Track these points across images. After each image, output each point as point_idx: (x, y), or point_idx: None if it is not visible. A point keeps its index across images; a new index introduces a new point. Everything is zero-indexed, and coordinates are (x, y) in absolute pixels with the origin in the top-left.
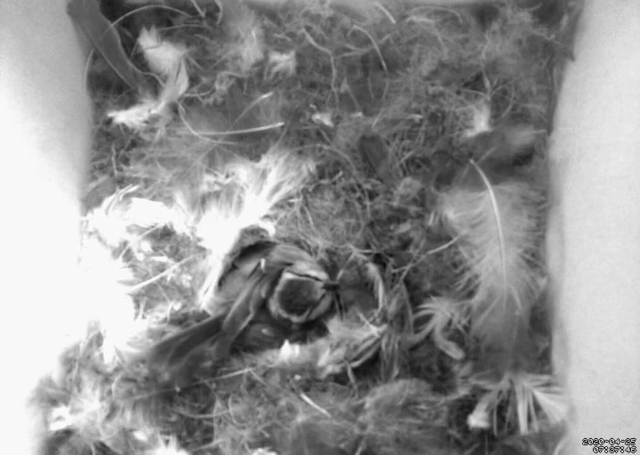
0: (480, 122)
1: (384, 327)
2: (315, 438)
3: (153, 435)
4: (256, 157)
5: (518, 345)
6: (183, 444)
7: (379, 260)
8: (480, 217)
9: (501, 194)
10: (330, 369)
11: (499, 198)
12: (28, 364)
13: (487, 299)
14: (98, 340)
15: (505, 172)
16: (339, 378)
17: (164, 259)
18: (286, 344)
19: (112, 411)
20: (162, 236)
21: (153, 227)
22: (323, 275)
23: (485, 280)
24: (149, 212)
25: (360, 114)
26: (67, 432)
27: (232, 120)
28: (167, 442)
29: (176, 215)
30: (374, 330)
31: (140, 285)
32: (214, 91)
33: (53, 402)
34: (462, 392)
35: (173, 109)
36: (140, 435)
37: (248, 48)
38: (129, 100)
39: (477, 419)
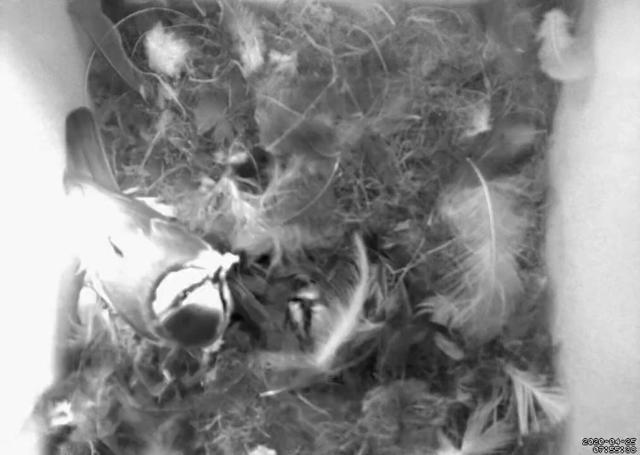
0: (480, 122)
1: (382, 324)
2: None
3: (153, 434)
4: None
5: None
6: (182, 443)
7: (378, 259)
8: (477, 214)
9: (497, 192)
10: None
11: (495, 196)
12: (29, 363)
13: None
14: (102, 338)
15: (505, 171)
16: (339, 378)
17: None
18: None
19: (113, 409)
20: None
21: None
22: None
23: (477, 276)
24: None
25: (360, 114)
26: (68, 430)
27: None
28: (166, 441)
29: (177, 214)
30: (371, 326)
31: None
32: (215, 93)
33: (55, 400)
34: (461, 398)
35: (173, 108)
36: (139, 434)
37: (248, 49)
38: (129, 100)
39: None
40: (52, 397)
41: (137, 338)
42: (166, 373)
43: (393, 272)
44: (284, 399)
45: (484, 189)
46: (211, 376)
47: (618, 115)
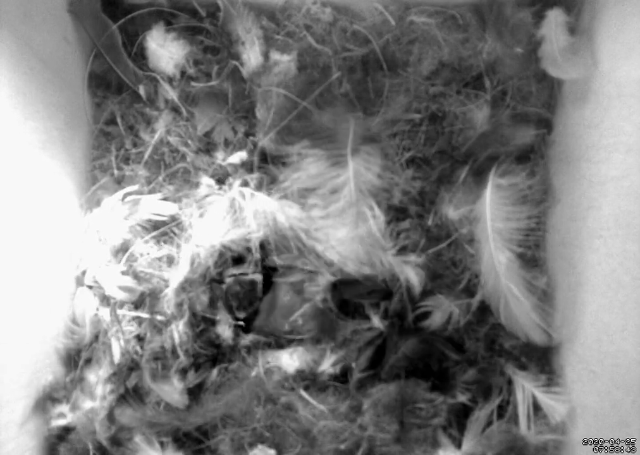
0: (480, 122)
1: (385, 323)
2: None
3: (152, 434)
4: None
5: None
6: (181, 443)
7: None
8: (479, 215)
9: (499, 193)
10: (331, 370)
11: (496, 197)
12: (30, 363)
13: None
14: (101, 338)
15: (505, 171)
16: (339, 378)
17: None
18: (286, 354)
19: (111, 410)
20: (164, 234)
21: (154, 226)
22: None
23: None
24: (151, 211)
25: (360, 114)
26: (67, 430)
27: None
28: (164, 441)
29: (178, 213)
30: (377, 323)
31: (142, 286)
32: (215, 93)
33: (54, 400)
34: (461, 398)
35: (173, 108)
36: (138, 434)
37: (248, 49)
38: (129, 100)
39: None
40: (51, 398)
41: (139, 339)
42: (175, 380)
43: None
44: (284, 394)
45: (488, 192)
46: (213, 376)
47: (618, 115)
